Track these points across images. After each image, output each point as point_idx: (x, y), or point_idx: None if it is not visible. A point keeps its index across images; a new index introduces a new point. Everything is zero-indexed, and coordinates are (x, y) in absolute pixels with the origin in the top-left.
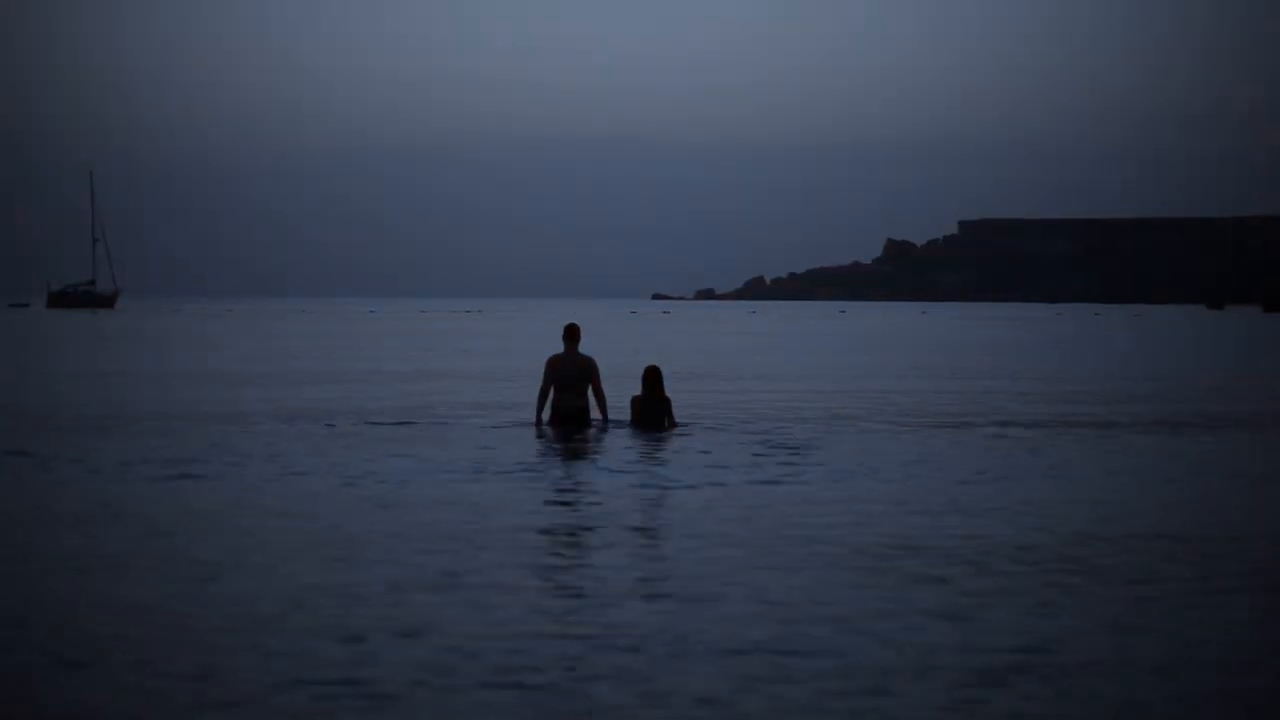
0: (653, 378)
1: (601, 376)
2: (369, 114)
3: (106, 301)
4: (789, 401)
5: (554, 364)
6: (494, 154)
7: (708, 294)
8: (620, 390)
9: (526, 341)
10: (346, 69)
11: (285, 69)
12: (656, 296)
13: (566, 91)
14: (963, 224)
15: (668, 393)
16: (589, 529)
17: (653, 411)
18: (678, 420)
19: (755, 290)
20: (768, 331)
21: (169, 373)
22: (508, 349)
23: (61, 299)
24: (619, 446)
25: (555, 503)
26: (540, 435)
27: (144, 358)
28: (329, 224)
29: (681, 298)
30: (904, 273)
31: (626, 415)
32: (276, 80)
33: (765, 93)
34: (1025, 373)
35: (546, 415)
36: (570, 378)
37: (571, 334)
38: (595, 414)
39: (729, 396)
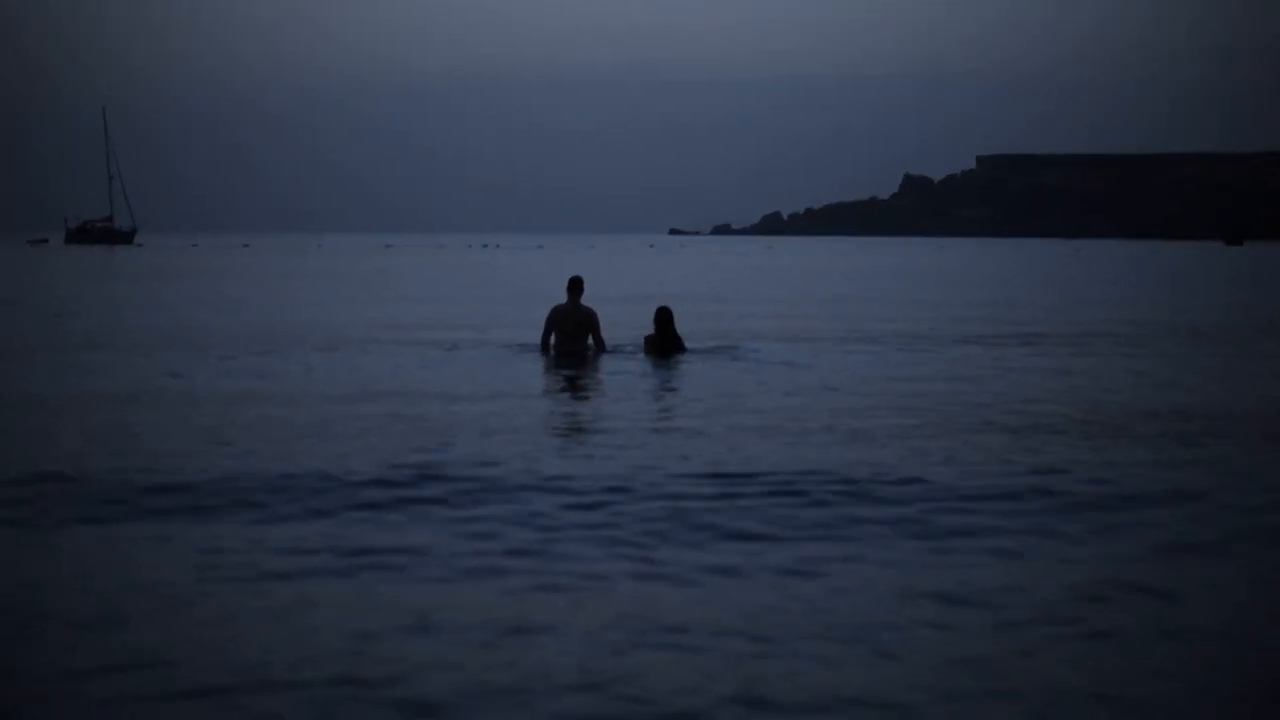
0: (665, 318)
1: (602, 327)
2: (395, 41)
3: (125, 238)
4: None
5: (556, 313)
6: (512, 86)
7: (724, 229)
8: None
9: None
10: None
11: None
12: (673, 231)
13: (583, 26)
14: (980, 159)
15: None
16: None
17: (665, 351)
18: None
19: (772, 225)
20: (786, 268)
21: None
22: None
23: (80, 235)
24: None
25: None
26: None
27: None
28: (358, 156)
29: (698, 233)
30: (922, 208)
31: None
32: (299, 5)
33: (781, 27)
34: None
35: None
36: (572, 328)
37: (575, 286)
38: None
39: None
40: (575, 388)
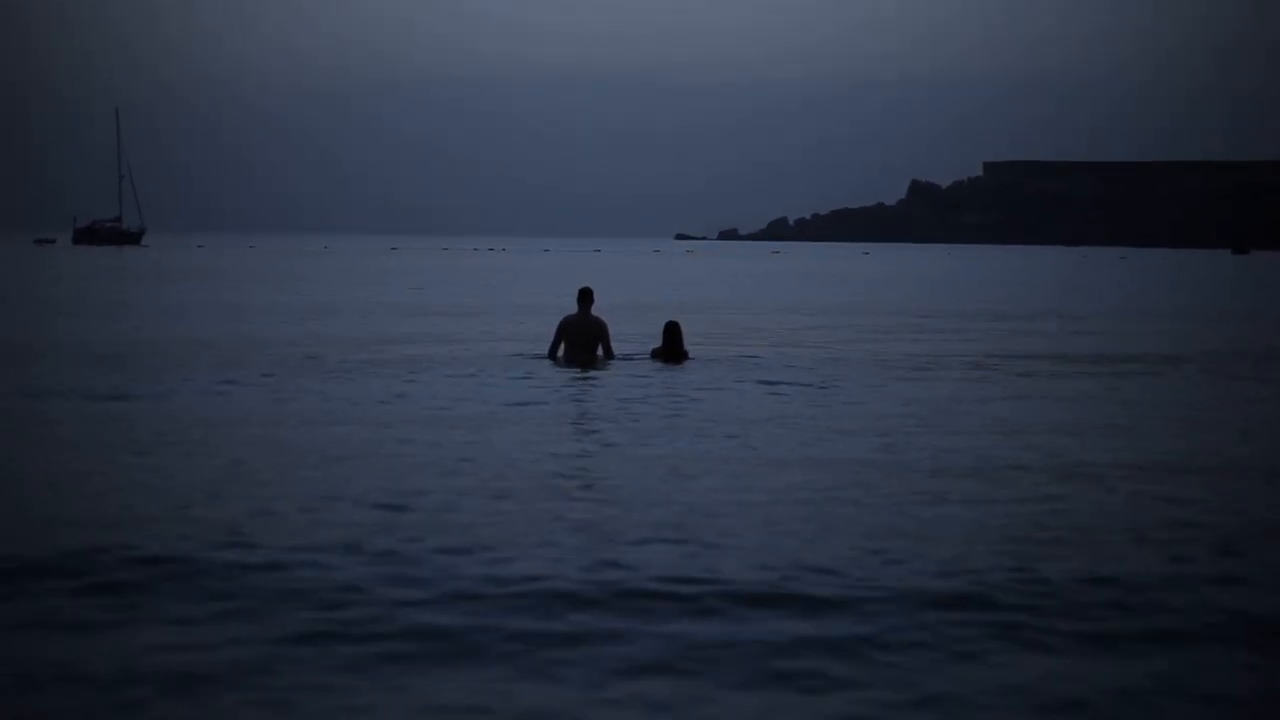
0: (673, 333)
1: (612, 339)
2: (402, 43)
3: (133, 238)
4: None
5: (567, 324)
6: (520, 89)
7: (731, 234)
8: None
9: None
10: None
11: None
12: (679, 236)
13: (590, 29)
14: (987, 165)
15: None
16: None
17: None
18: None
19: (778, 231)
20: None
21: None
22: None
23: (87, 235)
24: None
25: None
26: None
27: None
28: (365, 158)
29: (704, 238)
30: (928, 215)
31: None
32: (306, 6)
33: (788, 31)
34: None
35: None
36: (582, 338)
37: (586, 297)
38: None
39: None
40: (587, 398)
